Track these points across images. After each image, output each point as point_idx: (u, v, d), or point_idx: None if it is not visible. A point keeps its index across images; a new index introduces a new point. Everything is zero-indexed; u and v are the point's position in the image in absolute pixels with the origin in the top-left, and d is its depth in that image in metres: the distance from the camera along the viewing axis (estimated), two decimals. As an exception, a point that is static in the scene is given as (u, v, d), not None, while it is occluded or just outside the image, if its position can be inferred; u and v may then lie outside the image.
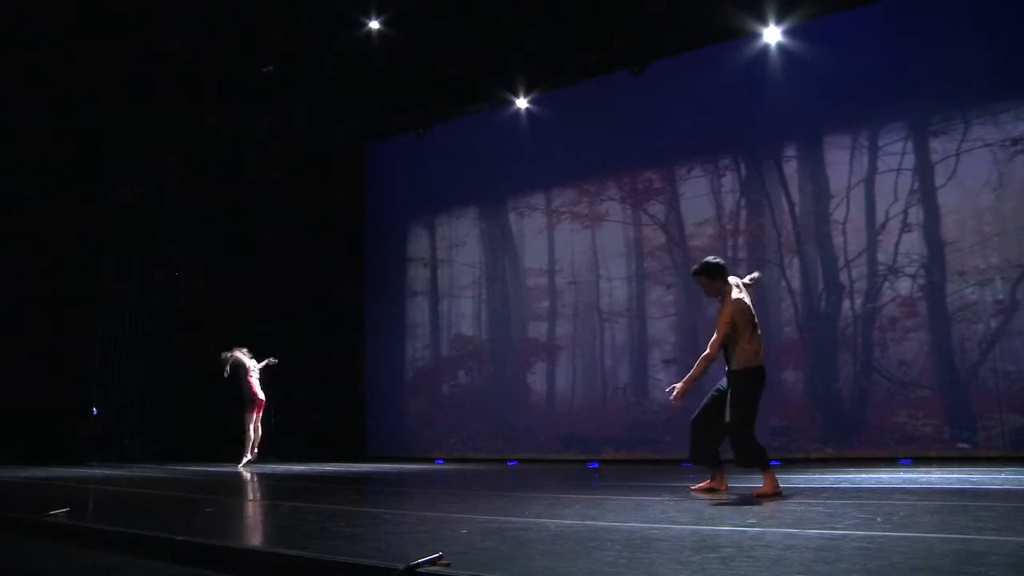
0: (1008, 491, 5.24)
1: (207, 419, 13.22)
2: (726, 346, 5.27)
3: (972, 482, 6.04)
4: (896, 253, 9.87)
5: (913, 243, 9.81)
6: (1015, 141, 9.26)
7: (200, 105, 12.66)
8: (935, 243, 9.66)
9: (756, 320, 5.31)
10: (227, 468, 10.42)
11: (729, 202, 11.20)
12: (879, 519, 3.64)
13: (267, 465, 11.30)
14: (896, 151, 10.04)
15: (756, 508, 4.34)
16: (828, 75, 10.43)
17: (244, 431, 11.23)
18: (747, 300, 5.35)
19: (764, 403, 5.34)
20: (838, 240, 10.25)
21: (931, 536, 3.10)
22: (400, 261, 14.41)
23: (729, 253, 11.08)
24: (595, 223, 12.28)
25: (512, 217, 13.22)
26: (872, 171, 10.19)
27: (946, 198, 9.67)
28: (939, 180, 9.73)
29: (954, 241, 9.54)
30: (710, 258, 5.55)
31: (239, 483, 7.72)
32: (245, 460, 11.08)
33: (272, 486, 7.38)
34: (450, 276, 13.78)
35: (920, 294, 9.70)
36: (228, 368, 11.21)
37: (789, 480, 6.71)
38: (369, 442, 13.81)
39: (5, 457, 10.80)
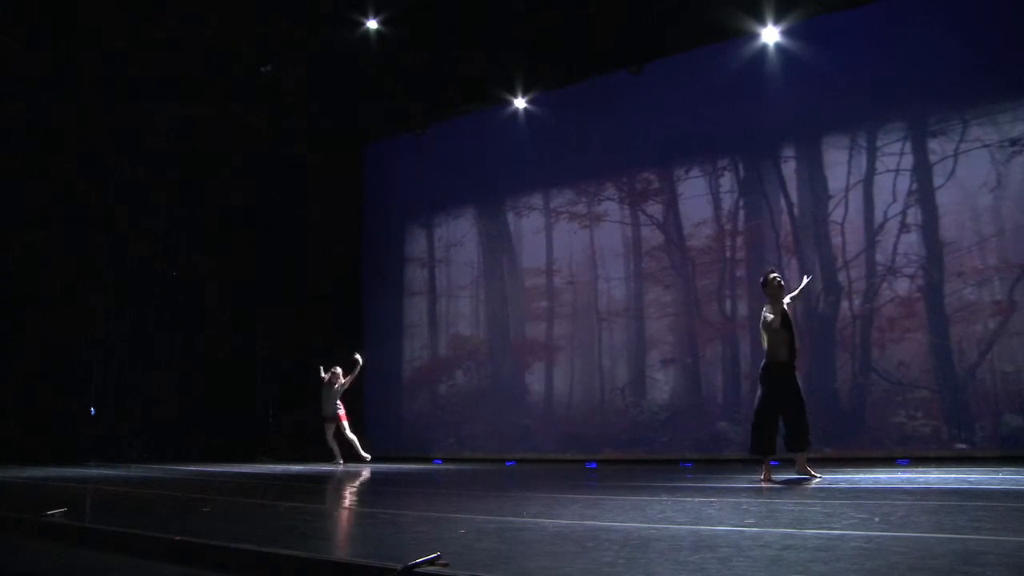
0: (1006, 491, 5.24)
1: (207, 419, 13.20)
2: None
3: (970, 482, 6.04)
4: (894, 254, 9.88)
5: (911, 244, 9.81)
6: (1013, 142, 9.26)
7: (198, 104, 12.64)
8: (933, 244, 9.67)
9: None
10: (227, 468, 10.40)
11: (727, 202, 11.20)
12: (877, 519, 3.64)
13: (264, 465, 11.27)
14: (894, 151, 10.04)
15: (754, 508, 4.34)
16: (826, 75, 10.43)
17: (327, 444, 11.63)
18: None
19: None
20: (836, 241, 10.25)
21: (929, 536, 3.11)
22: (398, 261, 14.40)
23: (727, 254, 11.09)
24: (593, 223, 12.27)
25: (510, 217, 13.21)
26: (871, 172, 10.19)
27: (944, 199, 9.68)
28: (937, 181, 9.73)
29: (952, 242, 9.54)
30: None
31: (237, 484, 7.71)
32: (338, 463, 11.47)
33: (270, 486, 7.37)
34: (448, 276, 13.77)
35: (918, 294, 9.71)
36: (332, 378, 11.65)
37: (787, 480, 6.71)
38: (367, 442, 13.78)
39: (5, 457, 10.78)
